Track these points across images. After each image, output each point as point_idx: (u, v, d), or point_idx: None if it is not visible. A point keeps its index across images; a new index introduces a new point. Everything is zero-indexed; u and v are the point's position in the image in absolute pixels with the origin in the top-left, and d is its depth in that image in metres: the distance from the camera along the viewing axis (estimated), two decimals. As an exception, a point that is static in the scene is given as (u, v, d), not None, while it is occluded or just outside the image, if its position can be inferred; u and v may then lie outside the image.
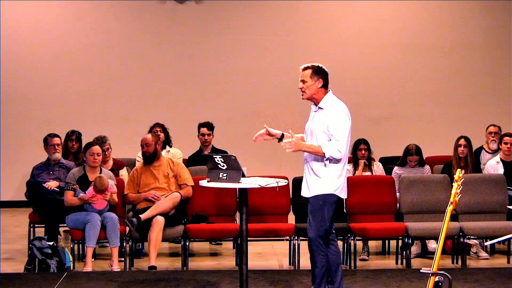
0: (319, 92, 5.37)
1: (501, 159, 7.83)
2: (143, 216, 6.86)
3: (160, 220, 6.86)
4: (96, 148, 7.18)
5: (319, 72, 5.40)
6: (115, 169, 7.80)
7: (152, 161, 7.24)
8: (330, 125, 5.25)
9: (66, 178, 7.19)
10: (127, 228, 6.93)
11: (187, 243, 7.01)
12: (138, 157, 8.37)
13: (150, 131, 8.46)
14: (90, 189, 6.96)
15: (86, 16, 11.61)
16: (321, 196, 5.28)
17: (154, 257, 6.84)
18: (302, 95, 5.41)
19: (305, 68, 5.44)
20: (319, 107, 5.37)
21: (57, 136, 7.95)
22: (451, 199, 4.32)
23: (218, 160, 4.93)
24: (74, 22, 11.60)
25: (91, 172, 7.13)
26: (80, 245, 7.43)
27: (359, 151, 7.84)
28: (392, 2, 11.81)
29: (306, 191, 5.38)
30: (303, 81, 5.39)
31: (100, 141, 7.73)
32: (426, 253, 7.64)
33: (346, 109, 5.36)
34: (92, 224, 6.78)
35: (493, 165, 7.79)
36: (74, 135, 8.38)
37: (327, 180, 5.24)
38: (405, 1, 11.82)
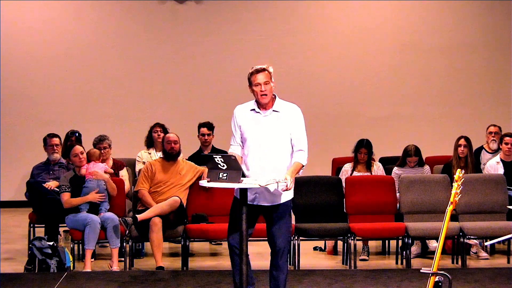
0: (272, 96, 5.21)
1: (501, 159, 7.83)
2: (139, 216, 6.86)
3: (158, 221, 6.86)
4: (77, 148, 7.21)
5: (272, 74, 5.22)
6: (115, 169, 7.79)
7: (176, 159, 7.28)
8: (296, 131, 5.13)
9: (60, 181, 7.19)
10: (128, 228, 6.95)
11: (187, 243, 7.01)
12: (138, 157, 8.37)
13: (150, 131, 8.48)
14: (84, 167, 7.07)
15: (86, 16, 11.61)
16: (289, 202, 5.24)
17: (160, 258, 6.85)
18: (265, 98, 5.13)
19: (262, 70, 5.19)
20: (274, 110, 5.16)
21: (56, 136, 7.95)
22: (451, 199, 4.32)
23: (218, 160, 4.92)
24: (74, 22, 11.61)
25: (80, 172, 7.15)
26: (80, 245, 7.43)
27: (359, 154, 7.82)
28: (392, 3, 11.81)
29: (270, 199, 5.15)
30: (266, 83, 5.13)
31: (98, 139, 7.74)
32: (426, 253, 7.64)
33: None
34: (91, 227, 6.77)
35: (493, 165, 7.78)
36: (73, 136, 8.38)
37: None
38: (405, 1, 11.82)
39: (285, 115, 5.16)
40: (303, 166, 5.13)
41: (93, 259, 7.34)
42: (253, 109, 5.21)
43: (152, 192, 7.20)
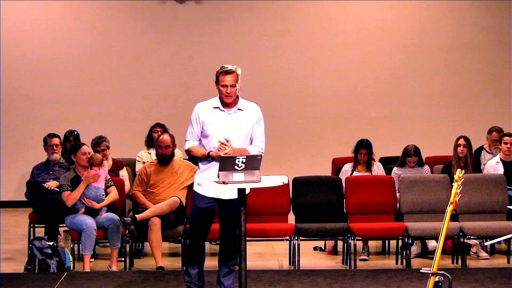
0: (236, 95, 5.42)
1: (501, 159, 7.83)
2: (139, 216, 6.87)
3: (157, 221, 6.87)
4: (85, 148, 7.22)
5: (239, 76, 5.41)
6: (115, 170, 7.80)
7: (168, 163, 7.26)
8: (256, 129, 5.40)
9: (60, 181, 7.17)
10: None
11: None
12: (138, 157, 8.37)
13: (150, 131, 8.47)
14: (86, 173, 7.01)
15: (86, 16, 11.61)
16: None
17: (160, 258, 6.86)
18: (229, 99, 5.36)
19: (231, 72, 5.37)
20: (239, 109, 5.40)
21: (56, 136, 7.96)
22: (451, 199, 4.32)
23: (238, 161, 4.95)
24: (74, 22, 11.60)
25: (82, 173, 7.12)
26: (80, 245, 7.43)
27: (360, 154, 7.82)
28: (392, 3, 11.80)
29: (228, 193, 5.24)
30: (232, 86, 5.33)
31: (96, 142, 7.73)
32: (426, 253, 7.64)
33: None
34: (87, 234, 6.75)
35: (493, 165, 7.78)
36: (72, 136, 8.38)
37: None
38: (405, 1, 11.82)
39: (248, 113, 5.42)
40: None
41: (93, 259, 7.35)
42: (217, 107, 5.41)
43: (149, 193, 7.20)
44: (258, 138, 5.44)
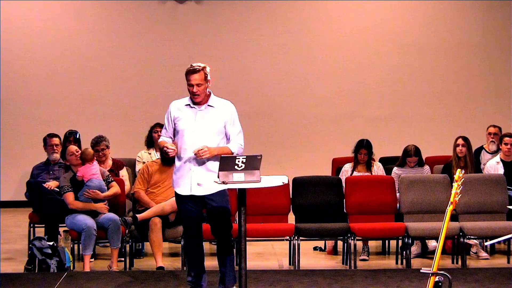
0: (207, 94, 5.49)
1: (501, 159, 7.83)
2: (140, 216, 6.87)
3: (158, 221, 6.87)
4: (71, 147, 7.24)
5: (208, 75, 5.47)
6: (115, 170, 7.79)
7: (172, 164, 7.26)
8: (229, 123, 5.44)
9: (60, 183, 7.17)
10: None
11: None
12: (138, 157, 8.36)
13: (150, 131, 8.46)
14: (80, 169, 7.00)
15: (86, 16, 11.61)
16: (225, 191, 5.36)
17: (160, 258, 6.87)
18: (197, 98, 5.42)
19: (197, 71, 5.42)
20: (209, 105, 5.46)
21: (56, 136, 7.96)
22: (451, 199, 4.32)
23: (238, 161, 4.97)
24: (74, 22, 11.60)
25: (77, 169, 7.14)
26: (80, 245, 7.43)
27: (360, 154, 7.82)
28: (392, 3, 11.80)
29: (203, 189, 5.28)
30: (198, 85, 5.39)
31: (95, 141, 7.73)
32: (426, 253, 7.64)
33: None
34: (86, 234, 6.75)
35: (493, 165, 7.78)
36: (72, 136, 8.38)
37: None
38: (405, 1, 11.82)
39: (220, 110, 5.48)
40: (232, 153, 5.36)
41: (93, 259, 7.35)
42: (188, 104, 5.50)
43: (150, 192, 7.20)
44: (234, 134, 5.47)
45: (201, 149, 5.26)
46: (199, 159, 5.33)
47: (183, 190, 5.46)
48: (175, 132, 5.54)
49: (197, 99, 5.43)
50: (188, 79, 5.42)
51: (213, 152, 5.30)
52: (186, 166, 5.43)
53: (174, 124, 5.52)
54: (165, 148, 5.40)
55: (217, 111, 5.46)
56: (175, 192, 5.57)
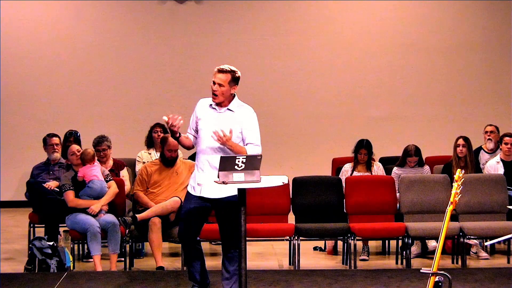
0: (230, 97, 5.41)
1: (501, 159, 7.83)
2: (139, 216, 6.87)
3: (157, 221, 6.87)
4: (73, 147, 7.23)
5: (237, 81, 5.38)
6: (115, 170, 7.79)
7: (173, 165, 7.25)
8: (246, 128, 5.33)
9: (61, 181, 7.16)
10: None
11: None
12: (138, 157, 8.37)
13: (150, 132, 8.47)
14: (81, 169, 6.98)
15: (86, 16, 11.62)
16: (234, 197, 5.12)
17: (160, 258, 6.86)
18: (215, 98, 5.35)
19: (224, 72, 5.34)
20: (228, 109, 5.38)
21: (56, 136, 7.96)
22: (451, 199, 4.32)
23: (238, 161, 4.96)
24: (74, 22, 11.61)
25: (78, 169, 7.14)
26: (80, 245, 7.43)
27: (359, 154, 7.82)
28: (392, 3, 11.81)
29: (218, 192, 5.23)
30: (220, 85, 5.31)
31: (97, 141, 7.73)
32: (426, 253, 7.65)
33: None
34: (91, 233, 6.71)
35: (493, 165, 7.79)
36: (72, 136, 8.38)
37: None
38: (405, 1, 11.82)
39: (239, 114, 5.38)
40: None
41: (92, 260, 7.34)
42: (211, 104, 5.44)
43: (150, 193, 7.20)
44: (250, 137, 5.36)
45: (224, 136, 5.17)
46: (213, 161, 5.27)
47: (192, 189, 5.44)
48: (196, 130, 5.49)
49: (216, 100, 5.36)
50: (213, 76, 5.38)
51: (229, 142, 5.18)
52: (199, 166, 5.40)
53: (197, 122, 5.47)
54: (169, 125, 5.24)
55: (235, 115, 5.38)
56: (187, 191, 5.54)
